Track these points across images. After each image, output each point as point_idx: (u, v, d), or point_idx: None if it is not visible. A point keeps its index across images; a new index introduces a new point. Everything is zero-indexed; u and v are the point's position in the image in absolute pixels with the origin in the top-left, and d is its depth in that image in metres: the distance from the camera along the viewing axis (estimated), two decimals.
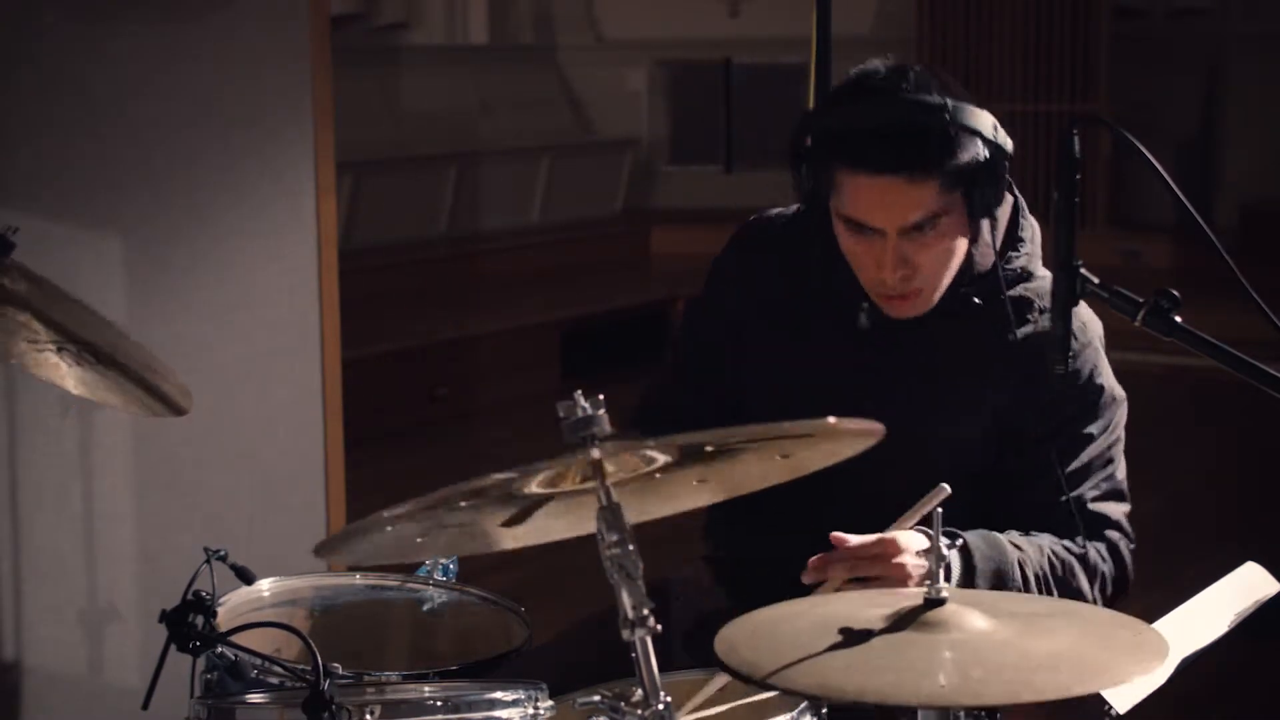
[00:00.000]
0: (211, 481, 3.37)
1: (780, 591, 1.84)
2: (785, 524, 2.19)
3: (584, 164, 10.26)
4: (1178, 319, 1.84)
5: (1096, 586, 2.19)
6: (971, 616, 1.68)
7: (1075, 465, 2.21)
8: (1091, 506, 2.22)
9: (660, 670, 1.59)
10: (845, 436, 1.74)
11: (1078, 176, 1.89)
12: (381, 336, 7.09)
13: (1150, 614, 1.88)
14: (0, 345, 2.06)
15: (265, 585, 2.23)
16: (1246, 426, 5.74)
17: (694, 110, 10.73)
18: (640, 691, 1.60)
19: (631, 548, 1.56)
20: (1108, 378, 2.26)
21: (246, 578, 2.13)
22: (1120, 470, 2.26)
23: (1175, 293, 1.84)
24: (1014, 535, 2.16)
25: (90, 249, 3.18)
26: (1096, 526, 2.21)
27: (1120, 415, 2.26)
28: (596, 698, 1.83)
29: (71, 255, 3.12)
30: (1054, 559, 2.15)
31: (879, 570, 1.99)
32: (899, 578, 1.99)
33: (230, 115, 3.37)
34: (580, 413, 1.58)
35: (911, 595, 1.72)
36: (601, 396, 1.60)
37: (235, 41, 3.37)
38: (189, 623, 1.80)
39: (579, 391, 1.60)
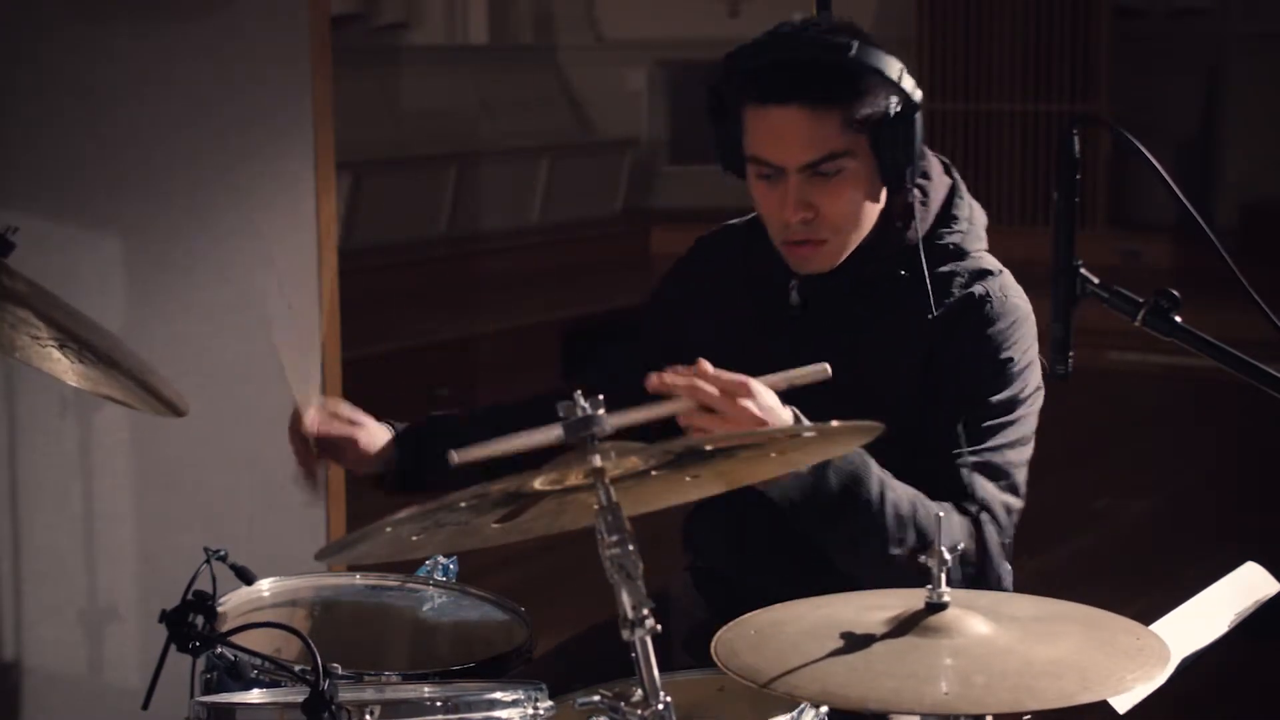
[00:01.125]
0: (211, 481, 3.37)
1: (758, 603, 1.84)
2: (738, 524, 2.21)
3: (584, 164, 10.26)
4: (1178, 319, 1.84)
5: (950, 552, 2.11)
6: (973, 621, 1.67)
7: (968, 430, 2.15)
8: (962, 471, 2.13)
9: (660, 670, 1.59)
10: (843, 436, 1.75)
11: (1078, 176, 1.89)
12: (381, 336, 7.09)
13: (1150, 614, 1.88)
14: (4, 339, 2.06)
15: (265, 585, 2.23)
16: (1246, 426, 5.74)
17: (694, 110, 10.66)
18: (640, 691, 1.60)
19: (631, 548, 1.56)
20: (1023, 356, 2.20)
21: (246, 578, 2.13)
22: (1011, 454, 2.17)
23: (1175, 293, 1.84)
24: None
25: (90, 249, 3.18)
26: (960, 494, 2.12)
27: (1030, 400, 2.19)
28: (596, 698, 1.83)
29: (71, 255, 3.12)
30: (916, 502, 2.07)
31: (723, 405, 1.92)
32: (739, 419, 1.92)
33: (230, 115, 3.37)
34: (580, 413, 1.58)
35: (912, 600, 1.72)
36: (601, 396, 1.60)
37: (235, 41, 3.37)
38: (189, 623, 1.80)
39: (579, 391, 1.60)
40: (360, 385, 4.16)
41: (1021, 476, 2.19)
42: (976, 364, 2.18)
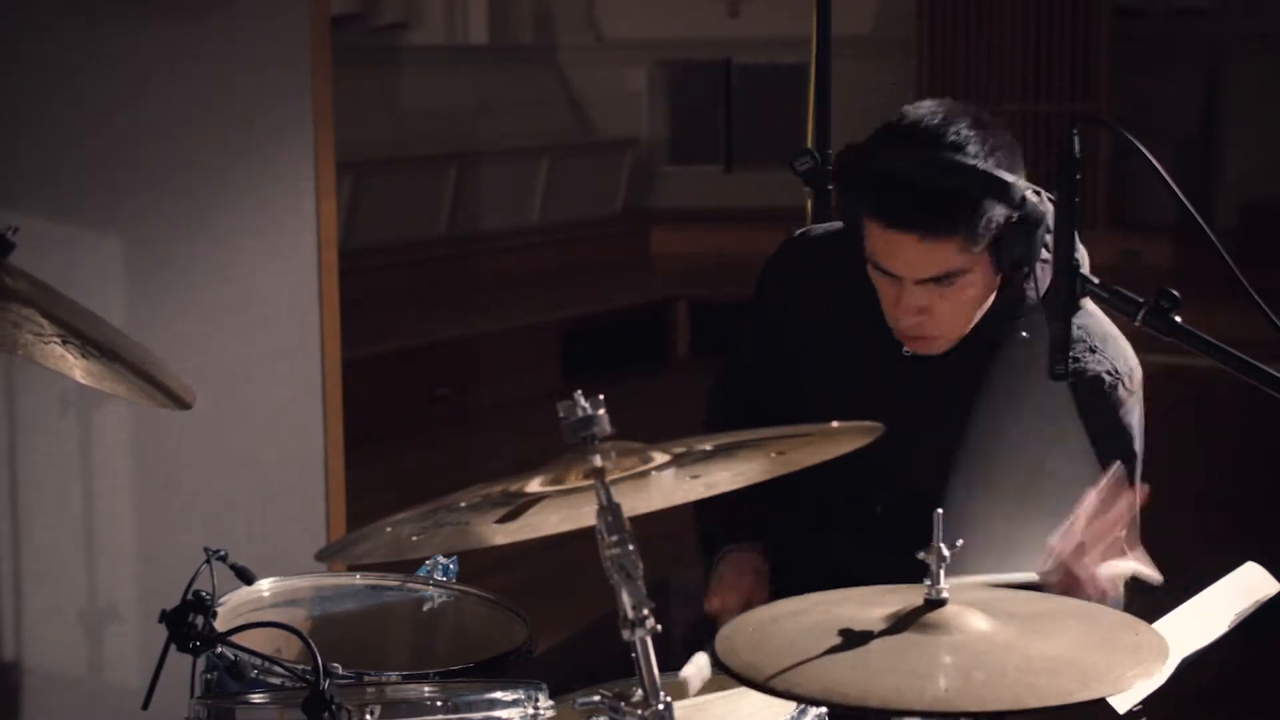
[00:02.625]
0: (211, 481, 3.37)
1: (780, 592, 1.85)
2: (810, 524, 2.20)
3: (584, 164, 10.25)
4: (1178, 319, 1.84)
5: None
6: (971, 618, 1.67)
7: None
8: None
9: (660, 670, 1.59)
10: (842, 437, 1.75)
11: (1078, 176, 1.89)
12: (381, 336, 7.09)
13: (1150, 614, 1.88)
14: (7, 337, 2.06)
15: (265, 585, 2.22)
16: (1246, 426, 5.74)
17: (694, 110, 10.72)
18: (640, 691, 1.60)
19: (631, 548, 1.56)
20: (1139, 440, 2.23)
21: (246, 578, 2.13)
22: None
23: (1175, 293, 1.84)
24: None
25: (90, 249, 3.18)
26: None
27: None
28: (596, 698, 1.83)
29: (71, 255, 3.12)
30: None
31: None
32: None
33: (230, 115, 3.37)
34: (580, 413, 1.59)
35: (911, 596, 1.72)
36: (601, 396, 1.60)
37: (235, 41, 3.37)
38: (189, 623, 1.80)
39: (579, 391, 1.60)
40: (360, 385, 4.17)
41: None
42: (1100, 445, 2.16)
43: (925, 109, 2.13)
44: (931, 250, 2.08)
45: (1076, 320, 2.17)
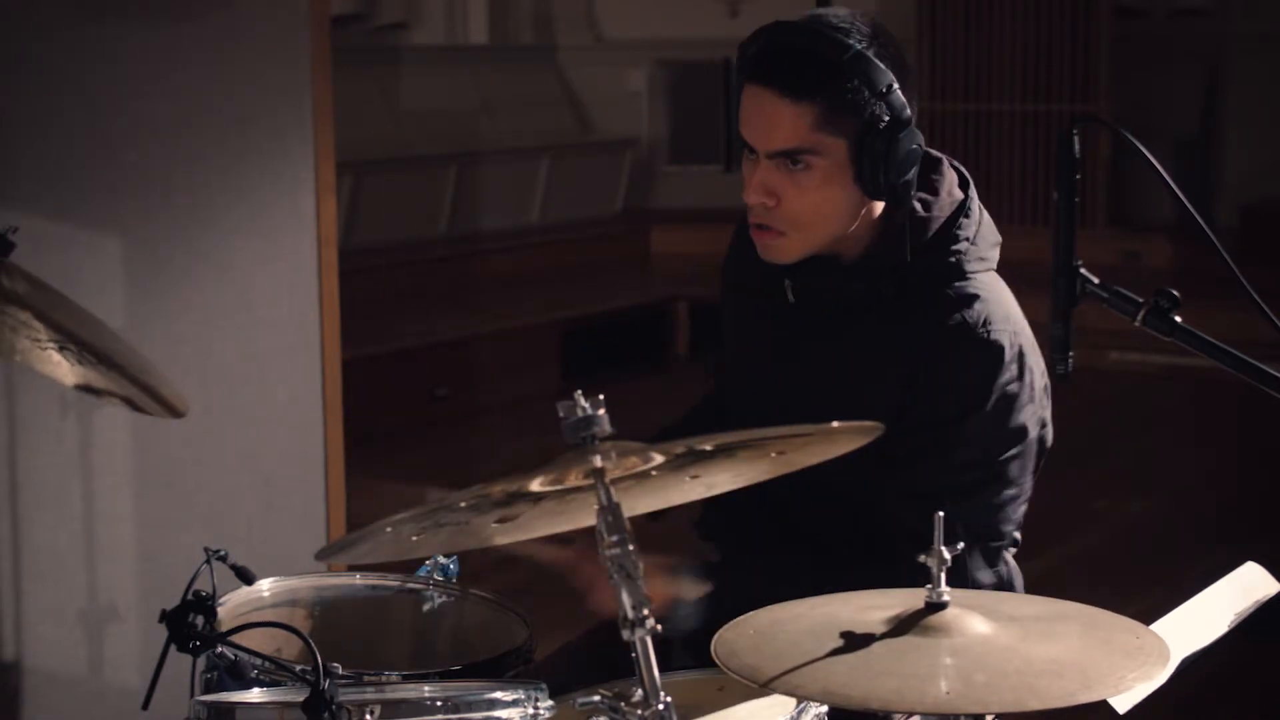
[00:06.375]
0: (211, 481, 3.37)
1: (765, 597, 1.84)
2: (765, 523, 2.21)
3: (584, 164, 10.26)
4: (1178, 319, 1.84)
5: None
6: (972, 620, 1.68)
7: (940, 461, 2.13)
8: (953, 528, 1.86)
9: (660, 670, 1.59)
10: (841, 436, 1.75)
11: (1078, 176, 1.89)
12: (381, 336, 7.09)
13: (1150, 614, 1.88)
14: (4, 342, 2.06)
15: (265, 585, 2.22)
16: (1246, 426, 5.74)
17: (694, 110, 10.72)
18: (640, 691, 1.60)
19: (631, 548, 1.56)
20: (1022, 394, 2.15)
21: (246, 578, 2.12)
22: (1000, 514, 2.15)
23: (1175, 293, 1.84)
24: None
25: (90, 249, 3.18)
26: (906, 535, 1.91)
27: (1011, 445, 2.15)
28: (596, 698, 1.83)
29: (71, 255, 3.12)
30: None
31: None
32: None
33: (230, 115, 3.37)
34: (580, 413, 1.58)
35: (912, 599, 1.72)
36: (601, 396, 1.60)
37: (235, 41, 3.37)
38: (189, 623, 1.80)
39: (579, 391, 1.60)
40: (360, 385, 4.17)
41: (1005, 521, 2.17)
42: (951, 402, 2.13)
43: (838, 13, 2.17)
44: (789, 115, 2.11)
45: (955, 286, 2.16)
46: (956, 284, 2.17)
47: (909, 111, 2.13)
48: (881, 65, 2.11)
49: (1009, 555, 2.22)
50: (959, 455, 2.14)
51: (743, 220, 2.41)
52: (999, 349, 2.13)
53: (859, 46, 2.10)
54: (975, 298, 2.16)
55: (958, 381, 2.14)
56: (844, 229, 2.18)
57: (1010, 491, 2.17)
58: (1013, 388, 2.14)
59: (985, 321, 2.14)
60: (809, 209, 2.16)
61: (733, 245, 2.45)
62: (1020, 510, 2.20)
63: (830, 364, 2.21)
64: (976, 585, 2.14)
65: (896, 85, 2.11)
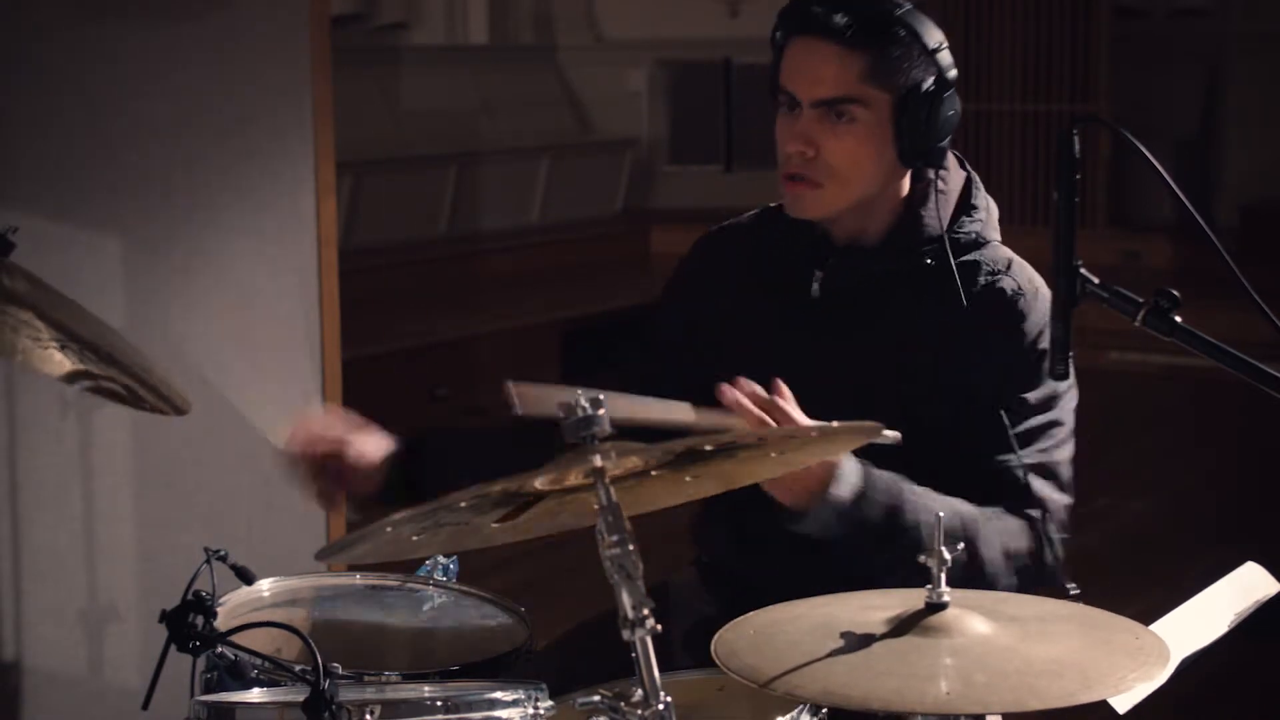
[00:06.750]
0: (211, 481, 3.37)
1: (763, 599, 1.84)
2: (760, 528, 2.20)
3: (584, 164, 10.26)
4: (1178, 319, 1.84)
5: (1003, 557, 2.11)
6: (972, 621, 1.68)
7: (1014, 431, 2.16)
8: (1017, 474, 2.15)
9: (660, 670, 1.59)
10: (841, 436, 1.75)
11: (1078, 176, 1.89)
12: (381, 336, 7.09)
13: (1150, 614, 1.88)
14: (5, 342, 2.06)
15: (265, 585, 2.22)
16: (1246, 426, 5.74)
17: (694, 110, 10.73)
18: (640, 691, 1.60)
19: (631, 548, 1.56)
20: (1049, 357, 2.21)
21: (246, 578, 2.12)
22: (1060, 453, 2.19)
23: (1175, 293, 1.84)
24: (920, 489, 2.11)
25: (90, 249, 3.18)
26: (1018, 497, 2.15)
27: (1068, 393, 2.21)
28: (596, 698, 1.83)
29: (71, 255, 3.12)
30: (960, 513, 2.08)
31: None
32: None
33: (230, 115, 3.37)
34: (580, 413, 1.58)
35: (912, 599, 1.72)
36: (602, 396, 1.60)
37: (235, 41, 3.37)
38: (189, 623, 1.80)
39: (579, 391, 1.60)
40: (360, 385, 4.17)
41: (1069, 474, 2.21)
42: (1013, 360, 2.18)
43: None
44: (838, 63, 2.12)
45: (981, 253, 2.21)
46: (985, 250, 2.22)
47: (954, 72, 2.17)
48: (931, 26, 2.15)
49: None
50: (1032, 402, 2.17)
51: (706, 233, 2.42)
52: (1048, 297, 2.18)
53: (910, 4, 2.15)
54: (1010, 260, 2.23)
55: (1016, 340, 2.18)
56: (876, 191, 2.20)
57: (1071, 444, 2.22)
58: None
59: (1031, 278, 2.21)
60: (848, 160, 2.17)
61: (694, 259, 2.45)
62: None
63: (871, 351, 2.22)
64: (1052, 548, 2.16)
65: (945, 45, 2.15)
